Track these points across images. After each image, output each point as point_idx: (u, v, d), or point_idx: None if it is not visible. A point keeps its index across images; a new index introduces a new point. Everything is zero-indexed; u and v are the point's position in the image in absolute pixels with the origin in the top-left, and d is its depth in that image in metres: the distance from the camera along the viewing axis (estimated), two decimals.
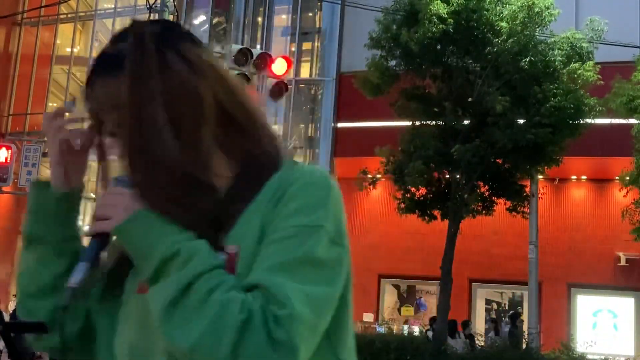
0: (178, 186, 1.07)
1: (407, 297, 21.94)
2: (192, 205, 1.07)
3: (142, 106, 1.09)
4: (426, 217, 14.37)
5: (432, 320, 14.89)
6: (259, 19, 23.54)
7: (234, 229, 1.07)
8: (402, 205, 14.23)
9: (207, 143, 1.11)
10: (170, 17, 13.08)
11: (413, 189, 13.94)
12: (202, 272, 1.00)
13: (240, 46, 12.40)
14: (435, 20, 12.52)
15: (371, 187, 14.41)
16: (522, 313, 18.45)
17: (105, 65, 1.15)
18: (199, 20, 23.22)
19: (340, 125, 21.54)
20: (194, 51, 1.16)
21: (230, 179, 1.12)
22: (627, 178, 13.85)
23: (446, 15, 12.62)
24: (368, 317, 19.83)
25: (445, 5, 12.77)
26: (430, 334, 13.81)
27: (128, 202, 1.07)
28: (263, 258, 1.03)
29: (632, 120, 13.67)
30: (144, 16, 18.43)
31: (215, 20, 21.75)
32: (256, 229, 1.06)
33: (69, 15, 26.63)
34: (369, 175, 14.55)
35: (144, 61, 1.11)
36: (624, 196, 14.41)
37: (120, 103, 1.10)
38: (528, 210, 14.60)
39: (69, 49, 27.27)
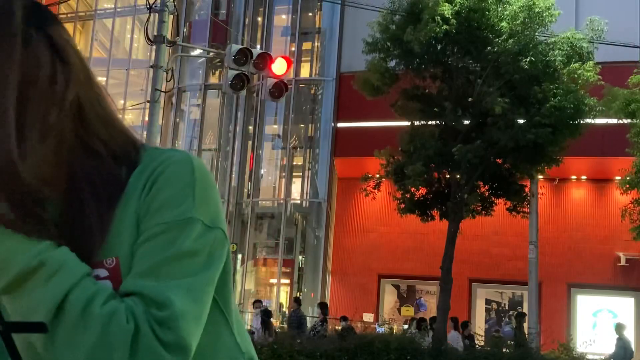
0: (21, 193, 0.95)
1: (407, 297, 21.95)
2: (37, 216, 0.96)
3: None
4: (426, 217, 14.38)
5: (432, 320, 14.90)
6: (259, 19, 23.54)
7: (109, 237, 1.00)
8: (402, 206, 14.23)
9: (56, 139, 1.00)
10: (170, 17, 13.08)
11: (413, 189, 13.94)
12: (75, 283, 0.93)
13: (240, 46, 12.39)
14: (439, 20, 12.52)
15: (376, 190, 14.44)
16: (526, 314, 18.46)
17: None
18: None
19: (340, 125, 21.54)
20: (64, 35, 1.07)
21: (81, 181, 1.02)
22: (628, 178, 13.84)
23: (450, 16, 12.63)
24: (368, 317, 19.83)
25: (449, 5, 12.78)
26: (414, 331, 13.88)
27: None
28: (136, 262, 0.99)
29: (634, 120, 13.66)
30: (144, 16, 18.46)
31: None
32: (132, 229, 1.01)
33: (69, 15, 26.64)
34: (370, 176, 14.56)
35: (8, 33, 0.99)
36: (621, 194, 14.42)
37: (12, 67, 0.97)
38: (528, 210, 14.60)
39: None
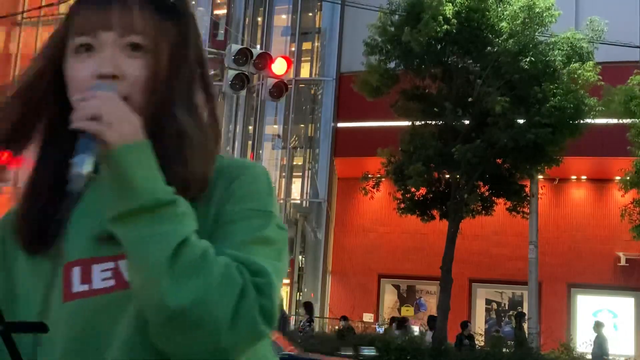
0: (189, 150, 1.06)
1: (407, 297, 21.95)
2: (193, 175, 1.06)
3: (189, 61, 1.11)
4: (426, 217, 14.38)
5: (431, 319, 14.90)
6: (259, 19, 23.54)
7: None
8: (402, 206, 14.23)
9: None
10: None
11: (413, 189, 13.94)
12: (194, 230, 0.97)
13: (240, 46, 12.39)
14: (440, 20, 12.52)
15: (375, 189, 14.44)
16: (526, 313, 18.45)
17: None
18: None
19: (340, 125, 21.53)
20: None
21: None
22: (628, 178, 13.84)
23: (451, 17, 12.63)
24: (368, 317, 19.83)
25: (451, 5, 12.78)
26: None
27: (134, 120, 0.97)
28: (224, 237, 1.02)
29: (634, 120, 13.66)
30: None
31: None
32: (210, 209, 1.06)
33: None
34: (370, 175, 14.56)
35: (194, 23, 1.14)
36: (622, 196, 14.42)
37: (172, 43, 1.09)
38: (528, 210, 14.60)
39: None
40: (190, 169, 1.06)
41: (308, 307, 14.54)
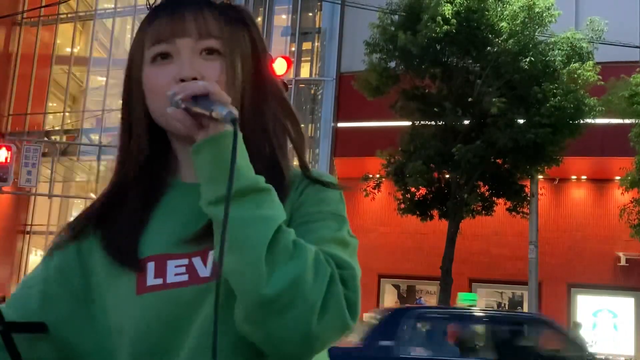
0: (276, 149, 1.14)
1: (407, 297, 21.94)
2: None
3: (262, 72, 1.15)
4: (426, 217, 14.38)
5: None
6: (259, 19, 23.54)
7: None
8: (402, 206, 14.23)
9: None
10: None
11: (413, 189, 13.94)
12: (284, 220, 1.01)
13: None
14: (440, 20, 12.52)
15: (376, 190, 14.43)
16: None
17: (224, 9, 1.14)
18: None
19: (340, 125, 21.54)
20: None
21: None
22: (629, 178, 13.84)
23: (450, 17, 12.63)
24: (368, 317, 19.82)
25: (450, 5, 12.77)
26: None
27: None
28: (302, 235, 1.03)
29: (633, 120, 13.65)
30: (144, 16, 18.38)
31: None
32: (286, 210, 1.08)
33: (69, 15, 26.65)
34: (371, 176, 14.56)
35: (259, 34, 1.18)
36: (621, 194, 14.42)
37: (243, 53, 1.12)
38: (528, 210, 14.60)
39: (68, 49, 27.28)
40: (276, 167, 1.12)
41: None
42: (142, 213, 1.12)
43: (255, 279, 0.94)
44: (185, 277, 1.06)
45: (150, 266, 1.08)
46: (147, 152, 1.13)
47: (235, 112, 0.95)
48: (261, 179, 1.00)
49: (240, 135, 0.96)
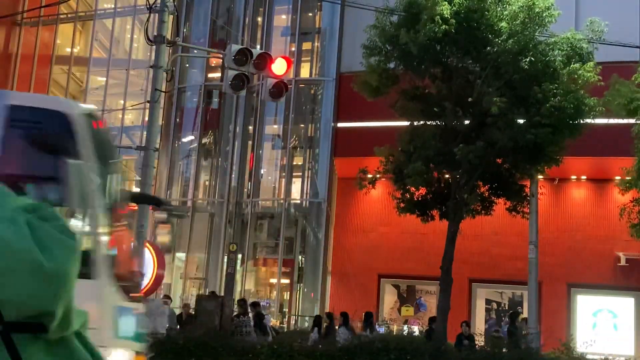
0: None
1: (407, 297, 21.95)
2: None
3: None
4: (426, 217, 14.36)
5: (431, 320, 14.89)
6: (259, 19, 23.53)
7: None
8: (402, 205, 14.22)
9: None
10: (170, 17, 13.07)
11: (412, 189, 13.93)
12: None
13: (240, 46, 12.39)
14: (438, 20, 12.50)
15: (371, 186, 14.38)
16: (522, 312, 18.42)
17: None
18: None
19: (340, 125, 21.54)
20: None
21: None
22: (628, 178, 13.83)
23: (449, 16, 12.61)
24: None
25: (448, 5, 12.76)
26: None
27: None
28: None
29: (632, 120, 13.66)
30: (144, 16, 18.45)
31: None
32: None
33: (69, 15, 26.65)
34: (369, 175, 14.54)
35: None
36: (621, 195, 14.41)
37: None
38: (528, 210, 14.59)
39: (69, 49, 27.27)
40: None
41: (241, 302, 14.26)
42: None
43: None
44: None
45: None
46: None
47: None
48: None
49: None
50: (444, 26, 12.53)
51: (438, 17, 12.51)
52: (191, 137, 23.74)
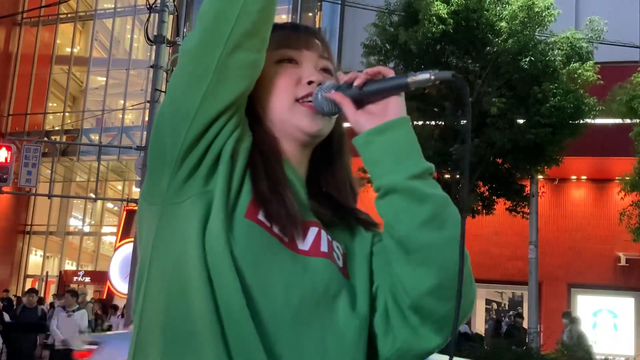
0: None
1: None
2: None
3: None
4: None
5: None
6: None
7: None
8: None
9: None
10: (170, 17, 13.08)
11: None
12: None
13: None
14: (435, 20, 12.51)
15: (370, 185, 14.39)
16: (522, 313, 18.43)
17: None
18: None
19: None
20: None
21: None
22: (628, 178, 13.82)
23: (446, 16, 12.61)
24: None
25: (445, 5, 12.75)
26: None
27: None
28: None
29: (631, 120, 13.64)
30: (144, 16, 18.43)
31: None
32: None
33: (69, 15, 26.64)
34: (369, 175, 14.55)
35: None
36: (621, 199, 14.40)
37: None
38: (528, 210, 14.60)
39: (68, 49, 27.27)
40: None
41: None
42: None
43: (455, 253, 1.02)
44: (325, 248, 1.13)
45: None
46: None
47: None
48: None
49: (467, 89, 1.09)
50: (441, 26, 12.54)
51: (434, 17, 12.52)
52: None
